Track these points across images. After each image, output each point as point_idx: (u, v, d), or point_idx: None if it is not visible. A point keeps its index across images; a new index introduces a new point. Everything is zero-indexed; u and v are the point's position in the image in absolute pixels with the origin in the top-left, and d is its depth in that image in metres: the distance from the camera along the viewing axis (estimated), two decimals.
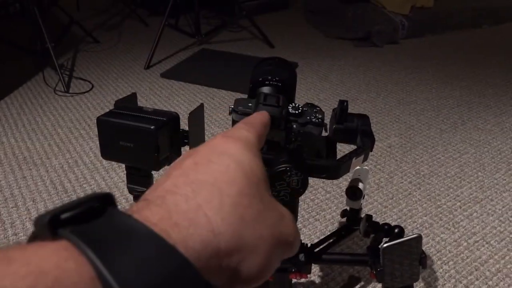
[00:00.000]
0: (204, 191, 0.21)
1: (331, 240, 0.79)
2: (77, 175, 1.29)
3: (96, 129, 0.53)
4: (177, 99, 1.77)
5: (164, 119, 0.56)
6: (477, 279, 0.96)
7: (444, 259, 1.01)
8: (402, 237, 0.71)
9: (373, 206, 1.17)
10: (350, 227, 0.79)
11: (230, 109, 0.59)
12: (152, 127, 0.54)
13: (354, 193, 0.73)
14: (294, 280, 0.75)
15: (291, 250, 0.25)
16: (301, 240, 0.83)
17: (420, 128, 1.56)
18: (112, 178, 1.27)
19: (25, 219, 1.11)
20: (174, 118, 0.57)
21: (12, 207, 1.15)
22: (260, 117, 0.32)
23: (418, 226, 1.11)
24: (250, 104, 0.61)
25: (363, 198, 0.75)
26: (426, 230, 1.09)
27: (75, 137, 1.48)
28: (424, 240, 1.06)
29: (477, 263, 1.00)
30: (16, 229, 1.08)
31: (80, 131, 1.52)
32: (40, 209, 1.16)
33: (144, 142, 0.55)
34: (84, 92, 1.80)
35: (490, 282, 0.95)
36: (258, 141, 0.27)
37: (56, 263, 0.15)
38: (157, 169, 0.57)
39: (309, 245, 0.80)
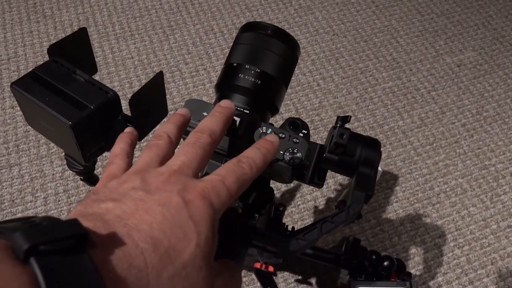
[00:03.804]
0: (155, 252, 0.23)
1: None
2: None
3: None
4: None
5: (92, 106, 0.41)
6: (487, 276, 0.83)
7: (460, 241, 0.87)
8: (390, 274, 0.58)
9: (404, 151, 0.98)
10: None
11: None
12: (68, 122, 0.40)
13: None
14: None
15: None
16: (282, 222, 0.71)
17: (510, 42, 1.21)
18: (121, 51, 1.13)
19: None
20: (106, 103, 0.42)
21: (13, 71, 1.08)
22: (253, 165, 0.31)
23: (447, 190, 0.93)
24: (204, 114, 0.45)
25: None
26: (455, 198, 0.92)
27: None
28: (447, 211, 0.90)
29: (496, 255, 0.86)
30: (13, 101, 1.03)
31: None
32: None
33: (64, 134, 0.42)
34: None
35: (501, 283, 0.83)
36: (230, 200, 0.28)
37: None
38: (87, 162, 0.45)
39: (289, 228, 0.69)
